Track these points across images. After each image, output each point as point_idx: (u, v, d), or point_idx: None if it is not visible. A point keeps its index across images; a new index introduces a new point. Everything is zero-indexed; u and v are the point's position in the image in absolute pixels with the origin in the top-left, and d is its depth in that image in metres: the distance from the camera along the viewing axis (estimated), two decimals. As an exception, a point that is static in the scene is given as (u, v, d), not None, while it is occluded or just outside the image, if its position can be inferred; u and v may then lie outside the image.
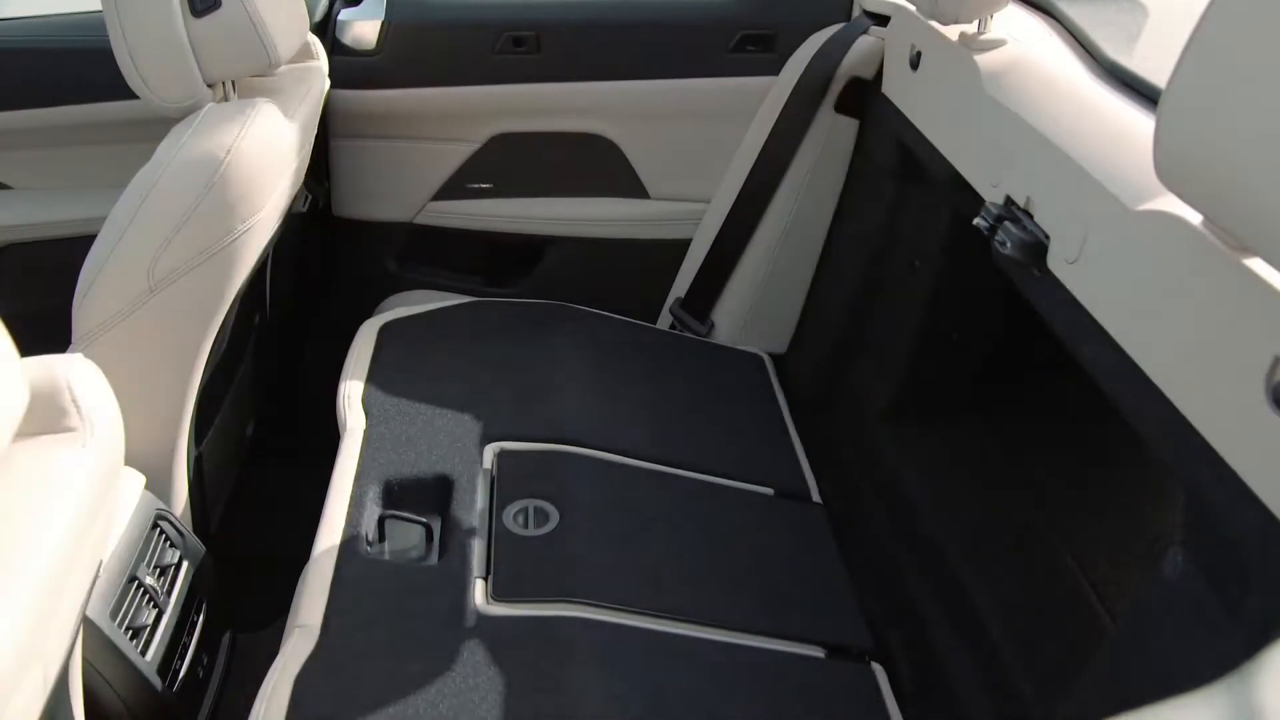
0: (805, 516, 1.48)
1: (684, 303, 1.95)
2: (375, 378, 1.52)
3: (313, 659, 1.06)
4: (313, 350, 1.97)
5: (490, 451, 1.42)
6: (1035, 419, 1.62)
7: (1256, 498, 0.81)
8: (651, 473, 1.46)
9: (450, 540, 1.26)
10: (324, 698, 1.02)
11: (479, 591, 1.19)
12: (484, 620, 1.15)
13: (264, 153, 1.28)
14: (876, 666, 1.26)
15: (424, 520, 1.29)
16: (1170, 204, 0.95)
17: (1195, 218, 0.91)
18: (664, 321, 1.98)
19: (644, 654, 1.16)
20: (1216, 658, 0.85)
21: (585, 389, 1.59)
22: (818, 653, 1.24)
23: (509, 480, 1.36)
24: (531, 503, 1.33)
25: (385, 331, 1.65)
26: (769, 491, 1.50)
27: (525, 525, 1.29)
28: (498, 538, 1.27)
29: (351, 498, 1.28)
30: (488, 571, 1.22)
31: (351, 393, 1.49)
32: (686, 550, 1.33)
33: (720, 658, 1.19)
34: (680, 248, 1.95)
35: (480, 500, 1.32)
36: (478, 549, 1.24)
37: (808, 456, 1.62)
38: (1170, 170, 0.85)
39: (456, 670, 1.07)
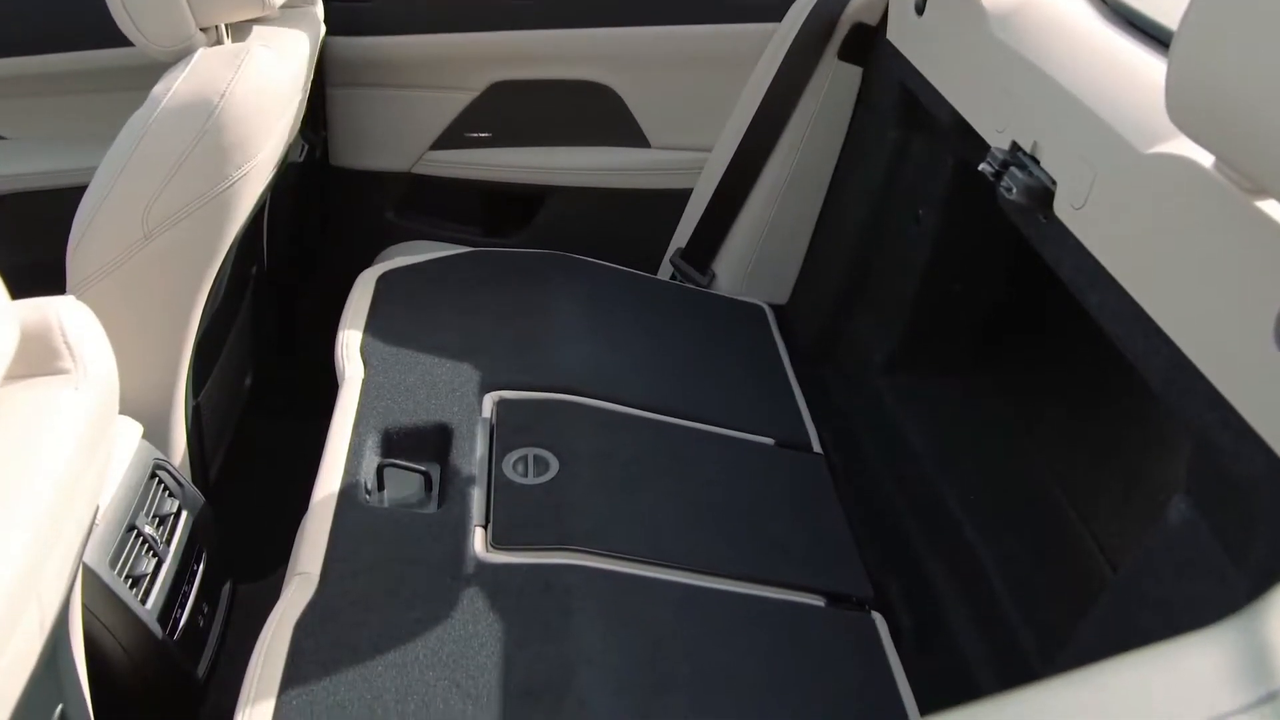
0: (805, 467, 1.48)
1: (685, 253, 1.93)
2: (373, 327, 1.51)
3: (312, 606, 1.06)
4: (310, 301, 1.96)
5: (489, 400, 1.42)
6: (1038, 372, 1.61)
7: (1263, 441, 0.80)
8: (651, 422, 1.45)
9: (449, 488, 1.25)
10: (324, 644, 1.02)
11: (478, 539, 1.18)
12: (484, 568, 1.14)
13: (259, 97, 1.26)
14: (877, 615, 1.26)
15: (423, 469, 1.28)
16: (1180, 147, 0.93)
17: (1206, 160, 0.90)
18: (664, 272, 1.97)
19: (644, 602, 1.16)
20: (1219, 604, 0.85)
21: (585, 338, 1.58)
22: (818, 601, 1.24)
23: (508, 429, 1.36)
24: (531, 451, 1.32)
25: (383, 281, 1.63)
26: (769, 442, 1.50)
27: (525, 474, 1.29)
28: (497, 486, 1.26)
29: (350, 446, 1.27)
30: (487, 519, 1.21)
31: (349, 342, 1.48)
32: (686, 499, 1.33)
33: (720, 606, 1.19)
34: (681, 197, 1.93)
35: (480, 448, 1.31)
36: (477, 497, 1.24)
37: (809, 407, 1.61)
38: (1182, 110, 0.83)
39: (456, 617, 1.07)
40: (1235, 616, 0.45)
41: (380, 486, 1.26)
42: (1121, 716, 0.40)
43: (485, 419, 1.37)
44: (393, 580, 1.10)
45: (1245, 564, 0.84)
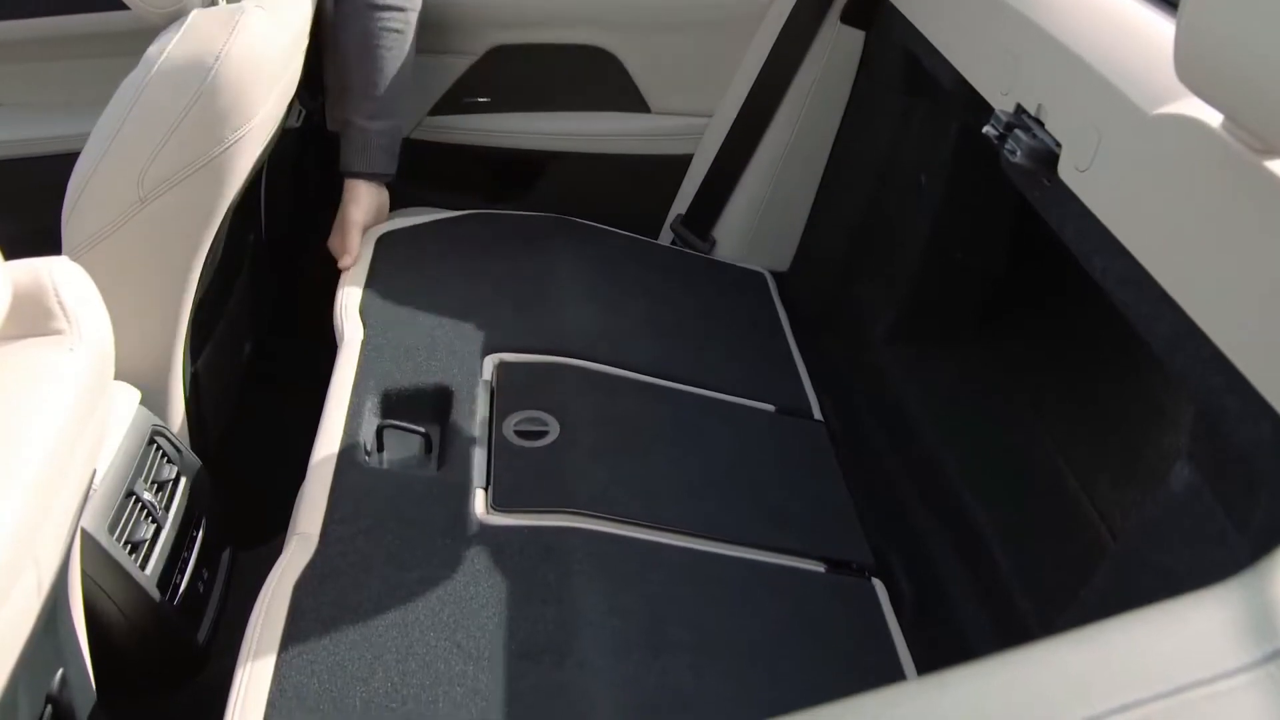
0: (806, 434, 1.47)
1: (685, 219, 1.92)
2: (372, 288, 1.50)
3: (312, 566, 1.05)
4: (310, 269, 1.95)
5: (490, 362, 1.41)
6: (1038, 343, 1.61)
7: (1268, 405, 0.80)
8: (652, 387, 1.44)
9: (450, 450, 1.25)
10: (324, 604, 1.02)
11: (479, 501, 1.18)
12: (485, 530, 1.14)
13: (255, 59, 1.25)
14: (877, 582, 1.26)
15: (423, 430, 1.28)
16: (1188, 107, 0.92)
17: (1214, 120, 0.88)
18: (665, 238, 1.96)
19: (644, 567, 1.16)
20: (1221, 571, 0.85)
21: (586, 303, 1.57)
22: (818, 567, 1.24)
23: (509, 391, 1.35)
24: (532, 414, 1.32)
25: (382, 242, 1.62)
26: (770, 408, 1.49)
27: (525, 437, 1.28)
28: (497, 448, 1.26)
29: (349, 408, 1.26)
30: (488, 482, 1.21)
31: (348, 303, 1.46)
32: (687, 465, 1.32)
33: (721, 571, 1.19)
34: (682, 163, 1.92)
35: (480, 411, 1.31)
36: (478, 459, 1.23)
37: (810, 375, 1.61)
38: (1191, 68, 0.82)
39: (457, 579, 1.07)
40: (1238, 576, 0.44)
41: (380, 448, 1.26)
42: (1124, 674, 0.39)
43: (485, 381, 1.37)
44: (393, 541, 1.10)
45: (1248, 528, 0.84)
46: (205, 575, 1.30)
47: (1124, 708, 0.38)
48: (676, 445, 1.35)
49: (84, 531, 1.04)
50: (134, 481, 1.18)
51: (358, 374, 1.32)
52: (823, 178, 1.88)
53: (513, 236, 1.69)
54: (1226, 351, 0.85)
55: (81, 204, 1.22)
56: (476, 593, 1.06)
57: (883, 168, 1.72)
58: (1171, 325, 0.91)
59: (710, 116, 1.89)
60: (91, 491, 1.01)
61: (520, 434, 1.29)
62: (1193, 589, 0.44)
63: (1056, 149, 1.12)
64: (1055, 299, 1.59)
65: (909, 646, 1.18)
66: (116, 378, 0.91)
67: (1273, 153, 0.82)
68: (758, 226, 1.90)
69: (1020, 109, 1.21)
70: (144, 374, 1.30)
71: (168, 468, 1.26)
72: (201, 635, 1.27)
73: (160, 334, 1.31)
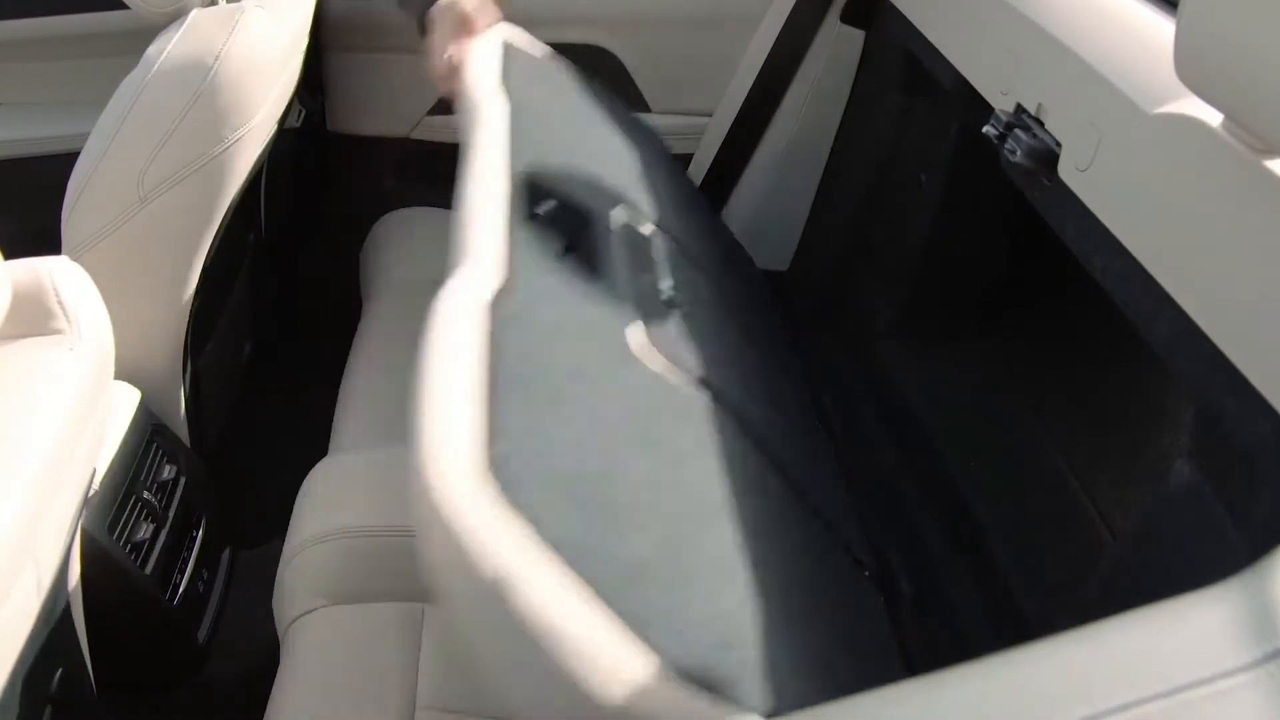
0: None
1: (685, 219, 1.92)
2: (508, 81, 1.33)
3: (506, 291, 0.84)
4: (310, 269, 1.95)
5: (623, 212, 1.26)
6: (1038, 341, 1.61)
7: (1268, 404, 0.80)
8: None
9: (596, 271, 1.11)
10: (524, 340, 0.81)
11: (637, 332, 1.05)
12: (645, 362, 1.02)
13: (254, 59, 1.25)
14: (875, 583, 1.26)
15: (570, 239, 1.12)
16: (1188, 106, 0.92)
17: (1215, 120, 0.88)
18: (666, 238, 1.95)
19: (759, 478, 1.06)
20: (1221, 569, 0.85)
21: (682, 203, 1.50)
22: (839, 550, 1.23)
23: (639, 248, 1.23)
24: (666, 281, 1.19)
25: (509, 49, 1.44)
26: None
27: (665, 300, 1.16)
28: (642, 293, 1.14)
29: (507, 175, 1.10)
30: (640, 319, 1.07)
31: (487, 74, 1.31)
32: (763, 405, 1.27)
33: (794, 515, 1.13)
34: (682, 163, 1.92)
35: (618, 252, 1.17)
36: (628, 295, 1.10)
37: (809, 374, 1.60)
38: (1191, 67, 0.82)
39: (635, 386, 0.94)
40: (1239, 575, 0.45)
41: None
42: (1124, 673, 0.39)
43: (621, 228, 1.24)
44: (573, 308, 0.95)
45: (1248, 527, 0.84)
46: (205, 575, 1.30)
47: (1124, 707, 0.38)
48: (754, 381, 1.28)
49: (84, 531, 1.04)
50: (134, 481, 1.18)
51: (511, 146, 1.15)
52: (823, 177, 1.88)
53: (610, 116, 1.58)
54: (1226, 351, 0.85)
55: (81, 204, 1.22)
56: (654, 411, 0.92)
57: (883, 166, 1.72)
58: (1171, 325, 0.91)
59: (710, 116, 1.89)
60: (91, 491, 1.01)
61: (660, 293, 1.18)
62: (1193, 588, 0.44)
63: (1056, 149, 1.12)
64: (1055, 298, 1.59)
65: (909, 646, 1.18)
66: (117, 377, 0.91)
67: (1273, 153, 0.82)
68: (758, 226, 1.90)
69: (1020, 109, 1.21)
70: (145, 373, 1.30)
71: (168, 468, 1.26)
72: (201, 635, 1.27)
73: (161, 333, 1.31)
